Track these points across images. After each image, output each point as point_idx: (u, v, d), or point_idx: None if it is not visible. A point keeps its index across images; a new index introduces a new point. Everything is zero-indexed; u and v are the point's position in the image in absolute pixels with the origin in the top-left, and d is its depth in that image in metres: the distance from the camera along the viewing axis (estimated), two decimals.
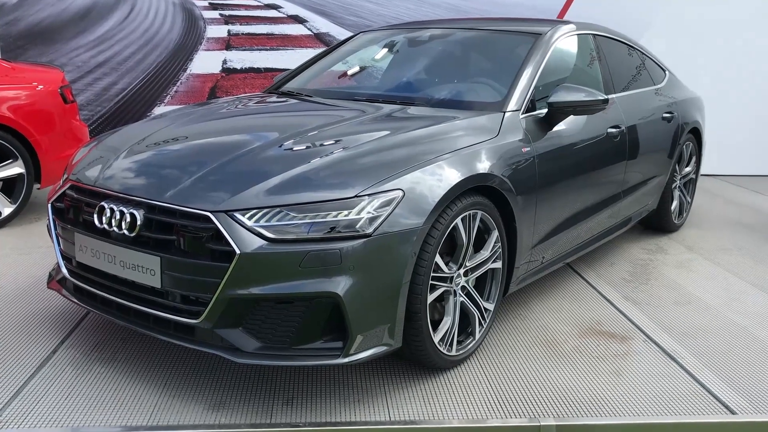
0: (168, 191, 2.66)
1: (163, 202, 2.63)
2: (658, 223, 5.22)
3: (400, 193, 2.60)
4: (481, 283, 3.14)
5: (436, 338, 2.82)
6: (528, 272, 3.47)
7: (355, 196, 2.53)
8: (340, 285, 2.45)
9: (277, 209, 2.50)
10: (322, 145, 2.91)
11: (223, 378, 2.87)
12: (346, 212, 2.50)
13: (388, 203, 2.56)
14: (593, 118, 3.92)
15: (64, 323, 3.33)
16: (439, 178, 2.74)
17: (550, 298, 3.85)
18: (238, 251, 2.42)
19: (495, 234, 3.08)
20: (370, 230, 2.50)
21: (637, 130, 4.38)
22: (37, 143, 5.12)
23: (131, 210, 2.66)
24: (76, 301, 2.98)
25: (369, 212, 2.51)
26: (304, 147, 2.90)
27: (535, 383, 2.90)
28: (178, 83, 7.31)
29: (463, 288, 2.99)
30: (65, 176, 3.18)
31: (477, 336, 3.07)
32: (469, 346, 3.03)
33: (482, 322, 3.09)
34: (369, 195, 2.55)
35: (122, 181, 2.84)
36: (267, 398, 2.73)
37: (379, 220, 2.52)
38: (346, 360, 2.51)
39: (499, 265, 3.15)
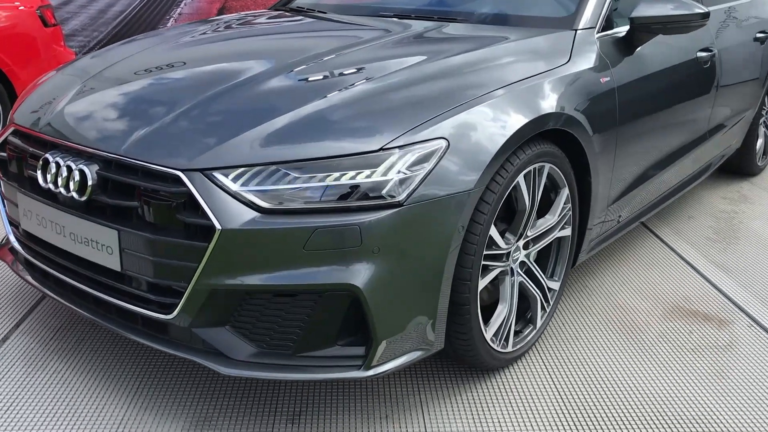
0: (126, 141, 1.96)
1: (120, 155, 1.93)
2: (738, 165, 4.42)
3: (442, 144, 1.87)
4: (542, 257, 2.43)
5: (489, 334, 2.14)
6: (601, 236, 2.75)
7: (381, 149, 1.81)
8: (361, 274, 1.77)
9: (274, 167, 1.79)
10: (341, 74, 2.17)
11: (210, 384, 2.24)
12: (368, 172, 1.78)
13: (426, 158, 1.84)
14: (681, 40, 3.09)
15: (23, 300, 2.70)
16: (495, 122, 2.00)
17: (620, 264, 3.13)
18: (219, 226, 1.74)
19: (565, 192, 2.35)
20: (401, 196, 1.79)
21: (730, 55, 3.54)
22: (13, 74, 4.42)
23: (81, 165, 1.97)
24: (26, 278, 2.33)
25: (400, 171, 1.80)
26: (314, 77, 2.17)
27: (615, 387, 2.22)
28: (183, 4, 6.52)
29: (522, 264, 2.29)
30: (9, 117, 2.49)
31: (538, 324, 2.38)
32: (528, 338, 2.35)
33: (545, 305, 2.40)
34: (400, 147, 1.82)
35: (71, 126, 2.14)
36: (266, 413, 2.09)
37: (415, 182, 1.81)
38: (370, 373, 1.85)
39: (568, 232, 2.43)
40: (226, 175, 1.79)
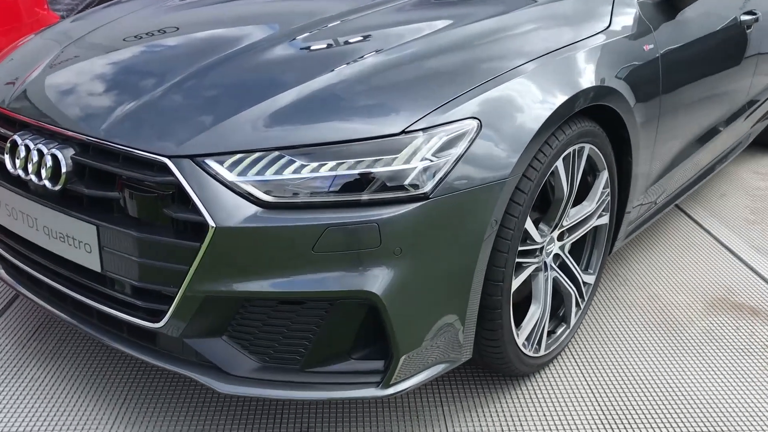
0: (106, 121, 1.69)
1: (98, 138, 1.66)
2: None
3: (473, 125, 1.60)
4: (576, 248, 2.17)
5: (521, 338, 1.90)
6: (637, 221, 2.49)
7: (403, 131, 1.54)
8: (379, 279, 1.51)
9: (277, 153, 1.52)
10: (346, 43, 1.89)
11: (207, 396, 1.99)
12: (388, 159, 1.52)
13: (454, 142, 1.57)
14: (724, 0, 2.81)
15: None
16: (531, 98, 1.73)
17: (654, 250, 2.88)
18: (212, 224, 1.48)
19: (604, 176, 2.09)
20: (427, 187, 1.52)
21: None
22: None
23: (54, 150, 1.70)
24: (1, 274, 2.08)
25: (425, 158, 1.53)
26: (319, 45, 1.88)
27: (658, 392, 1.98)
28: None
29: (556, 257, 2.04)
30: None
31: (572, 322, 2.13)
32: (561, 339, 2.11)
33: (579, 302, 2.15)
34: (424, 130, 1.55)
35: (43, 103, 1.87)
36: (271, 428, 1.85)
37: (442, 171, 1.54)
38: (390, 391, 1.60)
39: (605, 220, 2.17)
40: (221, 163, 1.53)
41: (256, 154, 1.53)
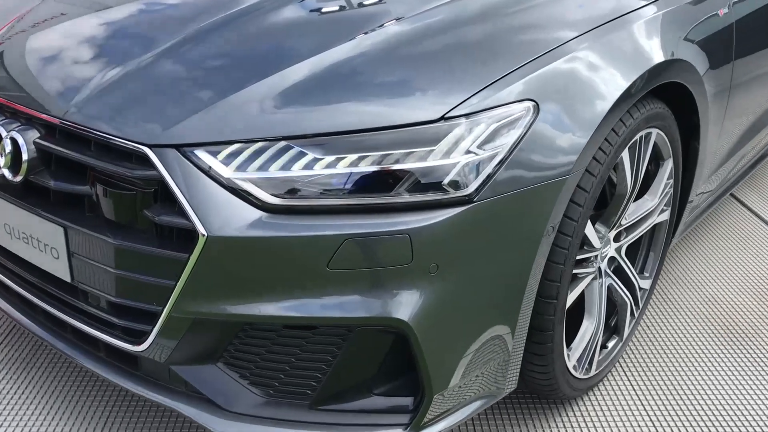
0: (75, 98, 1.38)
1: (66, 120, 1.36)
2: None
3: (529, 109, 1.28)
4: (630, 248, 1.87)
5: (572, 361, 1.60)
6: (696, 211, 2.18)
7: (443, 117, 1.23)
8: (410, 303, 1.22)
9: (284, 143, 1.22)
10: (361, 5, 1.57)
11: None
12: (423, 152, 1.21)
13: (505, 130, 1.26)
14: None
15: None
16: (595, 77, 1.41)
17: (705, 243, 2.56)
18: (204, 231, 1.18)
19: (669, 165, 1.77)
20: (470, 188, 1.22)
21: None
22: None
23: (13, 132, 1.40)
24: None
25: (470, 151, 1.22)
26: (331, 7, 1.56)
27: (726, 416, 1.70)
28: None
29: (611, 261, 1.73)
30: None
31: (625, 333, 1.84)
32: (613, 353, 1.82)
33: (634, 310, 1.85)
34: (468, 116, 1.24)
35: (2, 75, 1.56)
36: None
37: (490, 167, 1.23)
38: None
39: (666, 215, 1.86)
40: (215, 155, 1.23)
41: (259, 145, 1.22)
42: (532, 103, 1.28)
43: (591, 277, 1.61)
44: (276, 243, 1.19)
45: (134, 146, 1.26)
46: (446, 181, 1.20)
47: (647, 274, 1.91)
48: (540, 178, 1.28)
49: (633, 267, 1.84)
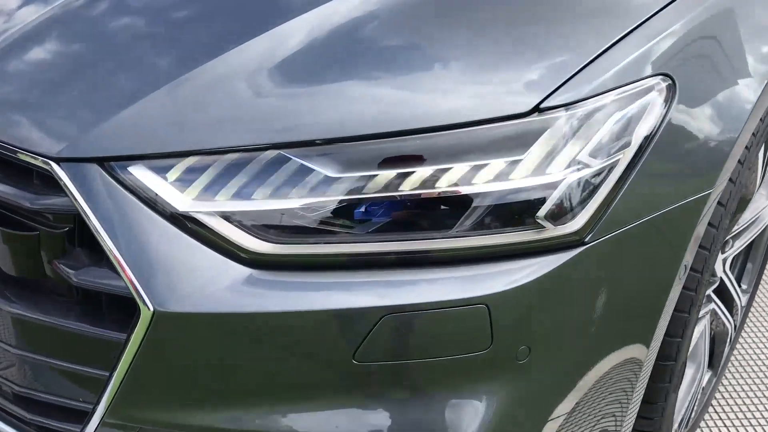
0: None
1: None
2: None
3: (661, 88, 0.81)
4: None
5: (675, 424, 1.17)
6: None
7: (537, 109, 0.75)
8: (485, 413, 0.76)
9: (276, 154, 0.74)
10: None
11: None
12: (505, 163, 0.74)
13: (630, 125, 0.78)
14: None
15: None
16: (747, 44, 0.93)
17: None
18: (150, 305, 0.72)
19: None
20: (580, 220, 0.76)
21: None
22: None
23: None
24: None
25: (579, 161, 0.75)
26: None
27: None
28: None
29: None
30: None
31: (721, 364, 1.41)
32: (708, 392, 1.40)
33: (732, 335, 1.42)
34: (572, 105, 0.76)
35: None
36: None
37: (608, 185, 0.77)
38: None
39: None
40: (162, 173, 0.76)
41: (234, 156, 0.75)
42: (666, 80, 0.81)
43: (707, 314, 1.17)
44: (268, 321, 0.73)
45: (35, 161, 0.78)
46: (543, 211, 0.74)
47: (745, 287, 1.48)
48: (677, 196, 0.83)
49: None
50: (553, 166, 0.74)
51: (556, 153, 0.75)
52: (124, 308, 0.76)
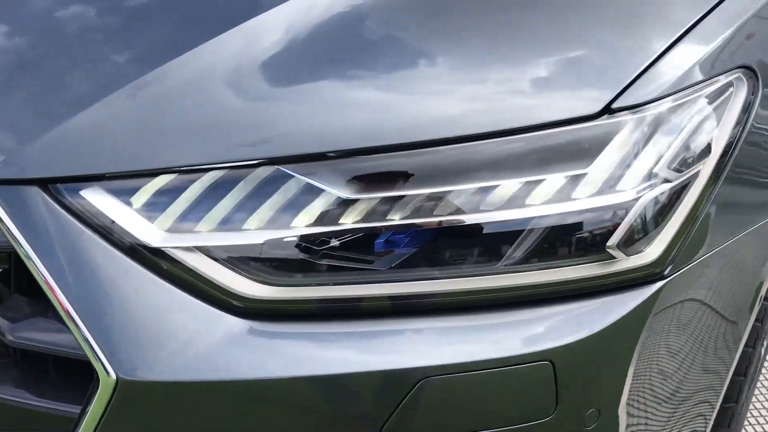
0: None
1: None
2: None
3: (741, 82, 0.66)
4: None
5: None
6: None
7: (606, 110, 0.59)
8: None
9: (273, 170, 0.58)
10: None
11: None
12: (566, 178, 0.58)
13: (709, 126, 0.63)
14: None
15: None
16: None
17: None
18: (111, 370, 0.54)
19: None
20: (656, 247, 0.60)
21: None
22: None
23: None
24: None
25: (656, 175, 0.60)
26: None
27: None
28: None
29: None
30: None
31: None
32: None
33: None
34: (638, 108, 0.60)
35: None
36: None
37: (689, 203, 0.62)
38: None
39: None
40: (125, 197, 0.57)
41: (217, 174, 0.58)
42: (748, 74, 0.67)
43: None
44: (272, 390, 0.56)
45: None
46: (615, 239, 0.59)
47: None
48: (761, 208, 0.68)
49: None
50: (624, 182, 0.59)
51: (627, 165, 0.59)
52: (75, 375, 0.59)
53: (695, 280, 0.63)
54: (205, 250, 0.58)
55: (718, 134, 0.63)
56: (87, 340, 0.56)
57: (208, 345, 0.56)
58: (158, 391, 0.55)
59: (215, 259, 0.58)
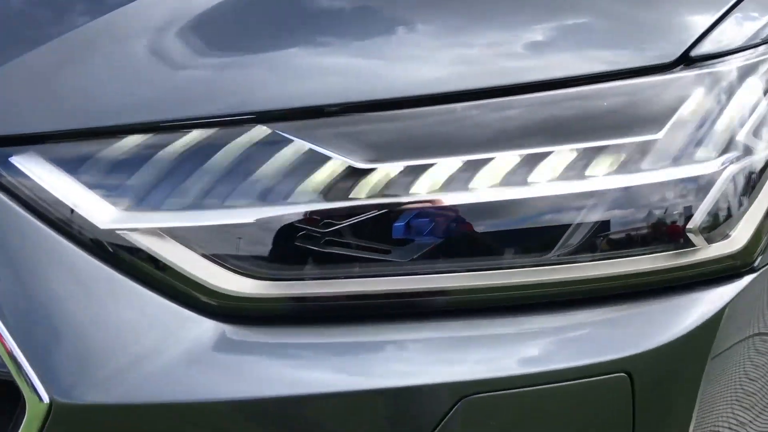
0: None
1: None
2: None
3: None
4: None
5: None
6: None
7: (685, 57, 0.48)
8: None
9: (265, 132, 0.45)
10: None
11: None
12: (634, 144, 0.46)
13: None
14: None
15: None
16: None
17: None
18: (45, 395, 0.40)
19: None
20: (743, 236, 0.48)
21: None
22: None
23: None
24: None
25: (740, 144, 0.48)
26: None
27: None
28: None
29: None
30: None
31: None
32: None
33: None
34: (727, 56, 0.49)
35: None
36: None
37: None
38: None
39: None
40: (66, 165, 0.44)
41: (190, 137, 0.44)
42: None
43: None
44: (258, 412, 0.42)
45: None
46: (696, 221, 0.47)
47: None
48: None
49: None
50: (705, 150, 0.47)
51: (708, 129, 0.48)
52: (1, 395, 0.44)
53: None
54: (174, 233, 0.44)
55: None
56: (9, 354, 0.41)
57: (173, 356, 0.42)
58: (104, 415, 0.41)
59: (186, 245, 0.44)
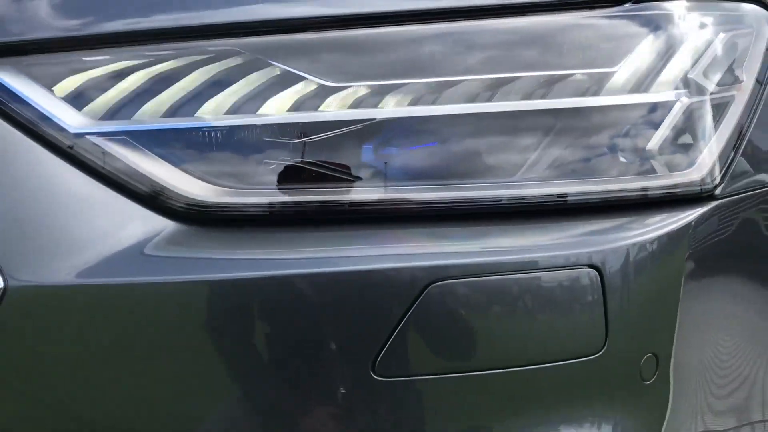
0: None
1: None
2: None
3: None
4: None
5: None
6: None
7: None
8: None
9: (247, 57, 0.47)
10: None
11: None
12: (596, 74, 0.48)
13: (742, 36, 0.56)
14: None
15: None
16: None
17: None
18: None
19: None
20: (703, 166, 0.49)
21: None
22: None
23: None
24: None
25: (692, 82, 0.50)
26: None
27: None
28: None
29: None
30: None
31: None
32: None
33: None
34: None
35: None
36: None
37: (734, 117, 0.53)
38: None
39: None
40: (46, 79, 0.45)
41: (158, 50, 0.47)
42: None
43: None
44: (222, 291, 0.41)
45: None
46: (654, 142, 0.48)
47: None
48: None
49: None
50: (659, 84, 0.50)
51: (661, 66, 0.50)
52: None
53: (753, 207, 0.52)
54: (142, 140, 0.44)
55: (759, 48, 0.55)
56: None
57: (133, 246, 0.41)
58: (56, 296, 0.39)
59: (155, 153, 0.44)
